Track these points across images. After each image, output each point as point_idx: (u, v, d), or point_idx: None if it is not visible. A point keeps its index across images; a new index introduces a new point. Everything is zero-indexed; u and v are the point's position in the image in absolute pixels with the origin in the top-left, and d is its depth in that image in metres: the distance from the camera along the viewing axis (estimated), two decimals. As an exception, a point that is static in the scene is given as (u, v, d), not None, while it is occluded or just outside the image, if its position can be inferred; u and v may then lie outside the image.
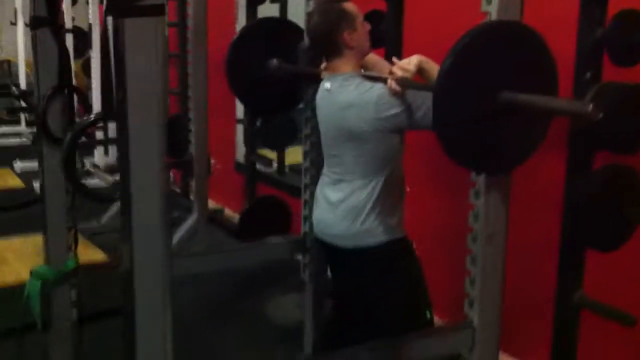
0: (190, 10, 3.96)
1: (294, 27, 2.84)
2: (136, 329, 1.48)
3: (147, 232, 1.43)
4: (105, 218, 4.84)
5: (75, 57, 6.47)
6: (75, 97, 2.33)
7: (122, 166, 1.41)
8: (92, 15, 5.79)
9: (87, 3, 6.00)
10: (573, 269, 2.05)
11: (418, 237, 2.36)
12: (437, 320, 2.40)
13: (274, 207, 4.27)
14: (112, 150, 6.15)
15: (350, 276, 2.37)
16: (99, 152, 6.14)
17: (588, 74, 1.79)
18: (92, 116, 1.75)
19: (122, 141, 1.40)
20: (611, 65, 1.89)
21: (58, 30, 2.08)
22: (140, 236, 1.43)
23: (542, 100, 1.61)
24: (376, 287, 2.27)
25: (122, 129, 1.38)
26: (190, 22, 3.97)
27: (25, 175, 6.24)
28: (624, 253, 2.05)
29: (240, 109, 5.14)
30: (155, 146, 1.41)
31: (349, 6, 2.22)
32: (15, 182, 6.16)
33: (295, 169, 4.72)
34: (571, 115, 1.67)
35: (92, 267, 3.93)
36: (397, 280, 2.25)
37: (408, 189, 2.33)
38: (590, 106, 1.46)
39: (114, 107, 1.39)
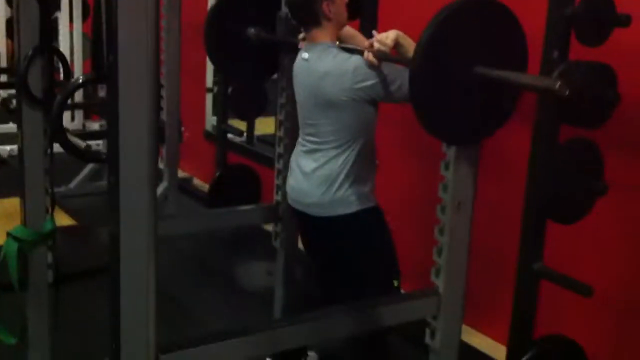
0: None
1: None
2: (121, 290, 1.52)
3: (135, 195, 1.47)
4: (74, 182, 4.83)
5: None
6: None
7: (110, 128, 1.44)
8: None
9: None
10: (534, 240, 2.14)
11: (390, 208, 2.43)
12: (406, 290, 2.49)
13: (244, 175, 4.33)
14: (78, 115, 6.09)
15: (322, 243, 2.43)
16: (66, 116, 6.07)
17: (556, 52, 1.87)
18: (82, 77, 1.75)
19: (112, 103, 1.43)
20: (579, 43, 1.97)
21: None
22: (127, 199, 1.47)
23: (514, 75, 1.69)
24: (347, 254, 2.34)
25: (114, 91, 1.41)
26: (162, -14, 3.94)
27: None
28: (584, 225, 2.16)
29: (210, 78, 5.14)
30: (146, 108, 1.43)
31: None
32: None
33: (264, 139, 4.76)
34: (540, 92, 1.75)
35: (65, 231, 3.95)
36: (367, 248, 2.32)
37: (377, 162, 2.39)
38: (559, 83, 1.54)
39: (105, 69, 1.43)
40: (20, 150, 2.18)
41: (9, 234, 2.19)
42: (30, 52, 2.05)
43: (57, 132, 1.61)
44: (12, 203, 2.28)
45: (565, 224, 2.13)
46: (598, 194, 2.03)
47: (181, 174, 4.94)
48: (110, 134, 1.46)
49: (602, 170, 2.04)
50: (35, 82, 2.10)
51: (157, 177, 1.48)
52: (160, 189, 4.16)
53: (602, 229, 2.51)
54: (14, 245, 2.17)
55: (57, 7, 5.77)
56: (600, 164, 2.04)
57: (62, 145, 1.62)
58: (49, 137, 2.11)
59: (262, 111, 4.34)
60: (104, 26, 1.44)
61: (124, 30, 1.39)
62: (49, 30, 2.07)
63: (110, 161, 1.46)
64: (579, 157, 1.96)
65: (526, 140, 2.12)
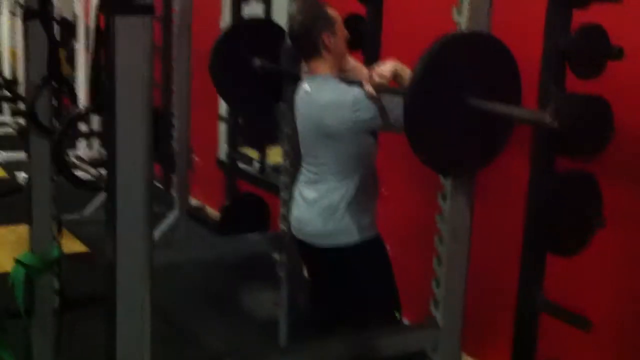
0: (175, 5, 4.02)
1: (277, 27, 2.92)
2: (117, 317, 1.55)
3: (131, 223, 1.51)
4: (87, 210, 4.89)
5: (60, 47, 6.49)
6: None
7: (109, 157, 1.49)
8: (78, 6, 5.83)
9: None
10: (534, 272, 2.12)
11: (390, 238, 2.45)
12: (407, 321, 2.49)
13: (254, 205, 4.35)
14: (96, 143, 6.18)
15: (324, 274, 2.45)
16: (82, 145, 6.18)
17: (551, 85, 1.89)
18: (82, 108, 1.81)
19: (109, 133, 1.47)
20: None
21: (49, 22, 2.13)
22: (123, 227, 1.51)
23: (505, 108, 1.72)
24: (348, 284, 2.36)
25: (110, 122, 1.46)
26: (175, 17, 4.03)
27: (8, 166, 6.26)
28: (584, 258, 2.15)
29: (223, 106, 5.20)
30: (141, 139, 1.48)
31: (331, 10, 2.32)
32: (-2, 172, 6.19)
33: (277, 168, 4.79)
34: (531, 124, 1.77)
35: (75, 257, 3.99)
36: (368, 279, 2.34)
37: (385, 192, 2.42)
38: (548, 116, 1.56)
39: (103, 100, 1.47)
40: (28, 178, 2.24)
41: (16, 260, 2.23)
42: (39, 82, 2.11)
43: (58, 161, 1.66)
44: (26, 230, 2.33)
45: (564, 256, 2.13)
46: (596, 227, 2.03)
47: (194, 202, 5.00)
48: (108, 162, 1.50)
49: (600, 202, 2.05)
50: (44, 110, 2.17)
51: (152, 207, 1.51)
52: (170, 217, 4.21)
53: (603, 260, 2.50)
54: (21, 271, 2.21)
55: (74, 37, 5.91)
56: (599, 196, 2.04)
57: (62, 174, 1.67)
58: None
59: (274, 140, 4.38)
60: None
61: (121, 61, 1.44)
62: (57, 60, 2.13)
63: (107, 189, 1.50)
64: (575, 189, 1.96)
65: (526, 169, 2.13)
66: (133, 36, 1.45)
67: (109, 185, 1.49)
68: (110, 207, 1.51)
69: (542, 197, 1.95)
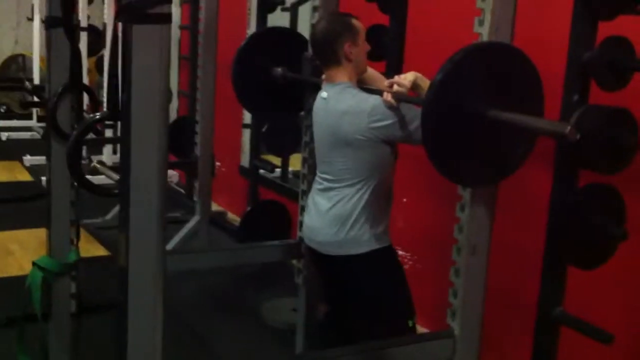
0: (202, 15, 4.05)
1: (299, 37, 2.93)
2: (128, 322, 1.55)
3: (144, 229, 1.51)
4: (111, 214, 4.93)
5: (89, 55, 6.59)
6: (87, 95, 2.43)
7: (123, 163, 1.49)
8: (107, 14, 5.90)
9: (103, 2, 6.12)
10: (554, 285, 2.10)
11: (407, 247, 2.43)
12: (423, 330, 2.47)
13: (275, 211, 4.35)
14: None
15: (336, 283, 2.44)
16: (107, 150, 6.24)
17: (575, 96, 1.86)
18: (98, 115, 1.83)
19: (124, 139, 1.48)
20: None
21: (72, 31, 2.16)
22: (136, 232, 1.52)
23: (524, 119, 1.69)
24: (360, 293, 2.34)
25: (126, 128, 1.47)
26: (201, 26, 4.07)
27: (34, 170, 6.36)
28: (605, 270, 2.11)
29: (247, 114, 5.23)
30: (156, 146, 1.48)
31: (355, 21, 2.32)
32: (24, 176, 6.28)
33: (298, 175, 4.80)
34: (551, 136, 1.74)
35: (96, 261, 4.03)
36: (380, 288, 2.32)
37: (404, 199, 2.40)
38: (569, 128, 1.53)
39: (119, 107, 1.48)
40: (48, 182, 2.26)
41: (34, 264, 2.25)
42: (60, 89, 2.13)
43: (72, 167, 1.67)
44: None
45: (585, 269, 2.09)
46: (619, 240, 1.99)
47: (216, 207, 5.02)
48: (122, 169, 1.51)
49: (623, 215, 2.01)
50: (65, 117, 2.19)
51: (164, 213, 1.51)
52: (192, 223, 4.23)
53: (626, 273, 2.46)
54: (38, 275, 2.23)
55: (103, 44, 5.99)
56: (622, 209, 2.00)
57: (75, 180, 1.68)
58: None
59: (297, 147, 4.39)
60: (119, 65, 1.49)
61: (137, 69, 1.44)
62: (80, 68, 2.15)
63: (121, 196, 1.51)
64: (598, 202, 1.92)
65: (548, 181, 2.10)
66: (150, 45, 1.45)
67: (122, 190, 1.50)
68: (123, 212, 1.52)
69: (563, 210, 1.92)
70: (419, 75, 2.12)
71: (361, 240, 2.27)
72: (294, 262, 2.94)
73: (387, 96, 2.12)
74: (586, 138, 1.69)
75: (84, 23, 6.28)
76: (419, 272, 2.57)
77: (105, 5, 6.00)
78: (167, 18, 1.47)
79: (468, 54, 1.72)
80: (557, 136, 1.64)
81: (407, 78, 2.11)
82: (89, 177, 5.15)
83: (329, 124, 2.31)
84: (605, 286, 2.54)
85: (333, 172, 2.31)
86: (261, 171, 4.46)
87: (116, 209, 5.01)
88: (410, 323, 2.32)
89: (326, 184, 2.35)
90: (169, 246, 3.96)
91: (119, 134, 5.86)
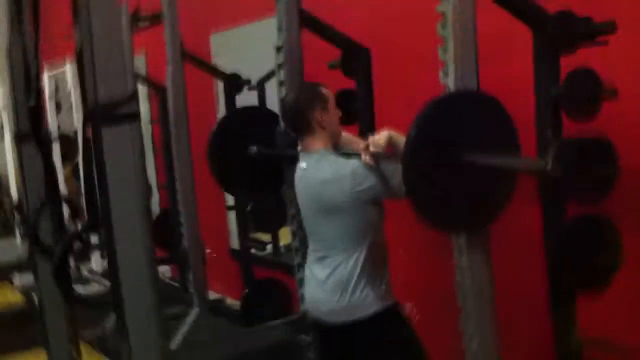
0: (170, 106, 4.06)
1: (269, 113, 2.95)
2: None
3: (144, 335, 1.47)
4: (111, 321, 4.82)
5: (65, 163, 6.58)
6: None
7: (111, 272, 1.46)
8: (77, 120, 5.93)
9: (72, 108, 6.16)
10: (564, 317, 2.07)
11: (411, 299, 2.39)
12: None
13: (273, 289, 4.29)
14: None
15: (346, 351, 2.37)
16: (95, 257, 6.15)
17: (548, 131, 1.87)
18: (80, 226, 1.80)
19: (109, 246, 1.45)
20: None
21: (43, 144, 2.15)
22: (135, 337, 1.47)
23: (502, 160, 1.69)
24: (373, 357, 2.28)
25: (109, 234, 1.44)
26: (171, 117, 4.07)
27: (25, 289, 6.23)
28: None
29: (230, 196, 5.21)
30: (141, 246, 1.45)
31: (324, 89, 2.35)
32: (15, 297, 6.15)
33: (290, 248, 4.75)
34: (532, 173, 1.74)
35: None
36: (392, 348, 2.26)
37: (402, 254, 2.37)
38: (550, 164, 1.53)
39: (99, 215, 1.46)
40: (40, 302, 2.21)
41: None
42: (38, 206, 2.11)
43: (60, 284, 1.63)
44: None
45: (590, 297, 2.07)
46: (615, 266, 1.98)
47: (214, 294, 4.93)
48: (111, 278, 1.47)
49: (616, 240, 1.99)
50: (46, 232, 2.16)
51: (159, 312, 1.48)
52: (192, 317, 4.14)
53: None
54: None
55: (77, 151, 5.99)
56: (614, 235, 1.99)
57: (64, 297, 1.64)
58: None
59: (284, 222, 4.36)
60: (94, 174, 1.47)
61: (112, 170, 1.42)
62: (55, 182, 2.13)
63: (115, 306, 1.47)
64: (587, 231, 1.91)
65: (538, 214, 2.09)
66: (122, 144, 1.45)
67: (115, 299, 1.46)
68: (120, 321, 1.48)
69: (556, 243, 1.90)
70: (392, 132, 2.13)
71: (365, 302, 2.24)
72: (302, 336, 2.88)
73: (366, 158, 2.13)
74: (566, 171, 1.69)
75: (55, 132, 6.29)
76: (430, 321, 2.52)
77: (74, 111, 6.04)
78: (135, 116, 1.47)
79: (437, 105, 1.73)
80: (538, 173, 1.64)
81: (381, 137, 2.12)
82: (80, 286, 5.06)
83: (311, 194, 2.30)
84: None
85: (324, 240, 2.29)
86: (252, 250, 4.42)
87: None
88: None
89: (320, 253, 2.32)
90: (173, 345, 3.86)
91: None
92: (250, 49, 4.11)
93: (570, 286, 1.96)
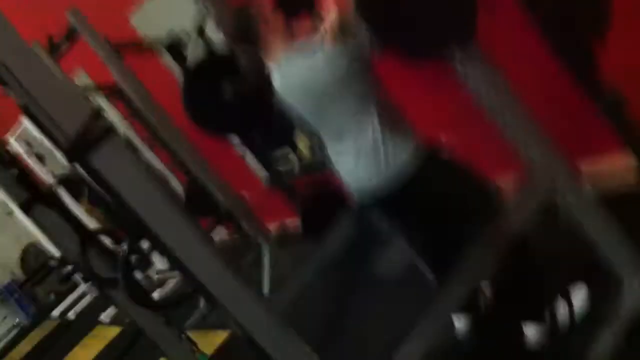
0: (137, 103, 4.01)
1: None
2: None
3: (234, 300, 1.51)
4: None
5: (79, 200, 6.58)
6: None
7: (177, 267, 1.49)
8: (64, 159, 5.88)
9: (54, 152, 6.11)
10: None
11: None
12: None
13: (321, 192, 4.31)
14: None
15: (409, 221, 2.40)
16: (155, 257, 6.18)
17: None
18: (124, 246, 1.82)
19: (162, 248, 1.47)
20: None
21: (49, 200, 2.15)
22: (232, 306, 1.51)
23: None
24: (436, 208, 2.27)
25: (154, 240, 1.46)
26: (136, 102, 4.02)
27: (115, 320, 6.34)
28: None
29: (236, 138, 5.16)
30: (189, 233, 1.46)
31: (252, 8, 2.27)
32: (113, 332, 6.26)
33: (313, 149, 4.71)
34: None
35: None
36: (452, 195, 2.25)
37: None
38: None
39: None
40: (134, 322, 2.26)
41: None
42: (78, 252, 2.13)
43: (140, 302, 1.68)
44: None
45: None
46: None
47: (273, 225, 4.99)
48: (182, 272, 1.51)
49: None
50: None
51: (238, 275, 1.52)
52: (266, 260, 4.24)
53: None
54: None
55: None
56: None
57: (149, 309, 1.67)
58: None
59: (294, 135, 4.32)
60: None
61: (125, 189, 1.43)
62: (80, 225, 2.13)
63: (200, 293, 1.50)
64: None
65: None
66: (114, 160, 1.44)
67: (196, 288, 1.48)
68: (210, 301, 1.50)
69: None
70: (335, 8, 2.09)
71: (402, 159, 2.18)
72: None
73: (327, 43, 2.12)
74: None
75: (53, 180, 6.27)
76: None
77: (57, 152, 5.99)
78: (110, 130, 1.46)
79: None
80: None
81: (330, 20, 2.09)
82: (159, 290, 5.08)
83: (297, 91, 2.26)
84: None
85: (332, 131, 2.27)
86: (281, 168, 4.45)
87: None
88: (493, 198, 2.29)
89: (337, 148, 2.29)
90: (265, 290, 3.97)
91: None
92: (174, 6, 4.00)
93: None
